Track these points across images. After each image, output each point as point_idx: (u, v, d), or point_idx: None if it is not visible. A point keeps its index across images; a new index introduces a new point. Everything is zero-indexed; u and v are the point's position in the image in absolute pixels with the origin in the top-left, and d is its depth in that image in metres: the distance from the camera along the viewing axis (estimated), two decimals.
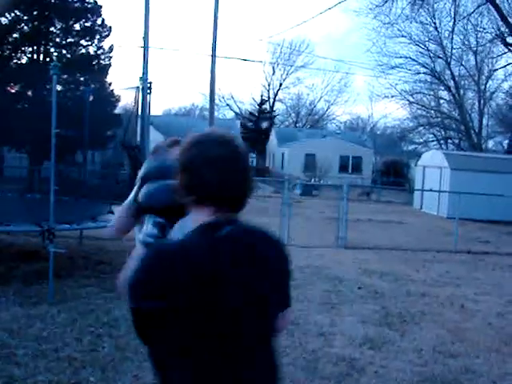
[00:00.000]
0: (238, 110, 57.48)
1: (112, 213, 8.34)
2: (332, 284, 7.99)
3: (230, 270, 1.60)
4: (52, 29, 18.13)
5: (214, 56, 27.91)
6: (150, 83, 9.04)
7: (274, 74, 56.46)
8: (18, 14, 17.78)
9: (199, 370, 1.59)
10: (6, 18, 17.57)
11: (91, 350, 4.98)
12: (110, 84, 19.27)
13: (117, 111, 17.38)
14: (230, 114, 57.68)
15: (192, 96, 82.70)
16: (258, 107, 52.92)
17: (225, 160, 1.62)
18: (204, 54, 35.06)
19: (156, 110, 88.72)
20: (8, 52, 17.55)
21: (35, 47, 18.17)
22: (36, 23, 17.69)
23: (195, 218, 1.66)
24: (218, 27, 25.17)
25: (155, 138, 39.50)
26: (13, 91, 17.67)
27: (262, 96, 54.29)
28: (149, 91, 9.09)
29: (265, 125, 51.05)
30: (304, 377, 4.61)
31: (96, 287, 7.16)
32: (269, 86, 56.45)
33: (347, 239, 11.32)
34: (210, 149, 1.64)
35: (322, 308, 6.72)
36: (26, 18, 17.75)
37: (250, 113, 53.17)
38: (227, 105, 58.36)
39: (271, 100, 56.02)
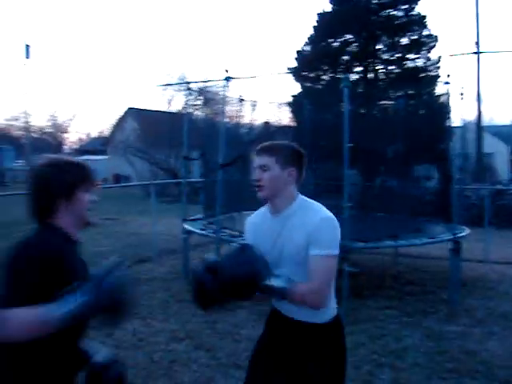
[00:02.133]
0: None
1: (419, 231, 7.80)
2: None
3: None
4: (379, 46, 18.39)
5: None
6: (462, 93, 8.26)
7: None
8: (348, 36, 18.50)
9: None
10: (337, 41, 18.43)
11: (365, 381, 4.56)
12: (439, 96, 18.54)
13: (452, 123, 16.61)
14: None
15: None
16: None
17: None
18: None
19: (503, 119, 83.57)
20: (340, 73, 18.29)
21: (363, 66, 18.64)
22: (363, 43, 18.13)
23: None
24: None
25: (502, 150, 36.72)
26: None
27: None
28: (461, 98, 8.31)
29: None
30: None
31: (396, 310, 6.71)
32: None
33: None
34: None
35: None
36: (353, 39, 18.40)
37: None
38: None
39: None
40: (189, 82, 8.70)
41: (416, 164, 13.57)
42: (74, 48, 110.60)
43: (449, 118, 10.33)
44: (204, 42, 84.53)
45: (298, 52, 19.08)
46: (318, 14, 18.86)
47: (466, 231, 7.85)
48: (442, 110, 17.80)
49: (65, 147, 70.11)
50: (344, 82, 6.36)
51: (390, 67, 18.53)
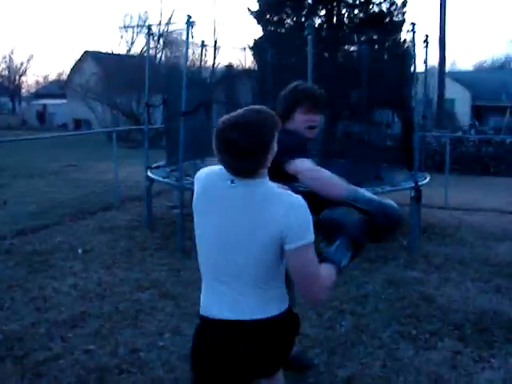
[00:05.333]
0: None
1: (381, 178, 7.88)
2: None
3: None
4: None
5: None
6: (426, 36, 8.24)
7: None
8: None
9: None
10: None
11: (328, 327, 4.66)
12: (403, 41, 18.44)
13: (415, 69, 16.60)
14: None
15: (504, 46, 75.33)
16: None
17: None
18: None
19: (465, 63, 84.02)
20: (303, 16, 18.01)
21: (327, 10, 18.31)
22: None
23: None
24: None
25: (462, 95, 37.33)
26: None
27: None
28: (425, 45, 8.30)
29: None
30: None
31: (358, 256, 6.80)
32: None
33: None
34: None
35: None
36: None
37: None
38: None
39: None
40: (150, 25, 8.40)
41: (378, 109, 13.59)
42: None
43: (412, 64, 10.31)
44: None
45: None
46: None
47: (427, 178, 7.96)
48: (405, 56, 17.79)
49: (22, 91, 68.21)
50: (308, 30, 6.25)
51: (354, 11, 18.28)
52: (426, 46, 8.09)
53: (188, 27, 6.58)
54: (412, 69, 7.33)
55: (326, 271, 2.08)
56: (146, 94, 8.38)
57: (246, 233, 2.02)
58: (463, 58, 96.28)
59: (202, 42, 9.84)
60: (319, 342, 4.35)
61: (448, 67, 42.36)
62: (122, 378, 3.71)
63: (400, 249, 7.12)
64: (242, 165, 1.98)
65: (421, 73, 11.29)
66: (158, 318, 4.84)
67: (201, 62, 10.12)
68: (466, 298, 5.38)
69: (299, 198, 2.02)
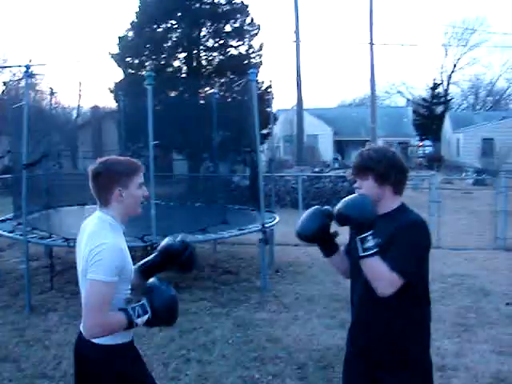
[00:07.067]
0: (409, 97, 55.29)
1: (226, 223, 7.95)
2: (474, 298, 6.85)
3: None
4: (202, 33, 18.51)
5: (371, 44, 26.93)
6: (270, 84, 8.61)
7: (446, 55, 53.66)
8: (172, 22, 18.37)
9: None
10: (161, 27, 18.23)
11: (172, 378, 4.62)
12: (262, 82, 19.16)
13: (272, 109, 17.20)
14: (402, 102, 55.56)
15: (364, 86, 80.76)
16: (430, 92, 50.27)
17: None
18: (366, 43, 32.55)
19: (329, 102, 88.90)
20: (163, 60, 18.20)
21: (187, 53, 18.63)
22: (187, 29, 18.10)
23: None
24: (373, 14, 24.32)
25: (325, 131, 38.93)
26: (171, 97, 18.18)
27: (434, 80, 51.42)
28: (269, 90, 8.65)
29: (439, 110, 48.38)
30: None
31: (209, 301, 6.85)
32: (442, 68, 53.84)
33: (506, 240, 9.86)
34: None
35: (453, 331, 5.70)
36: (176, 25, 18.31)
37: (423, 99, 50.70)
38: (398, 92, 56.77)
39: (445, 83, 53.15)
40: None
41: (229, 153, 13.90)
42: None
43: (254, 108, 10.66)
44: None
45: (119, 38, 18.59)
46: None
47: (275, 219, 8.20)
48: (264, 96, 18.31)
49: None
50: (148, 80, 6.25)
51: (213, 54, 18.73)
52: (270, 92, 8.43)
53: (26, 77, 6.41)
54: (255, 113, 7.49)
55: (114, 317, 2.29)
56: None
57: (79, 264, 2.38)
58: (328, 99, 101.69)
59: (51, 89, 9.62)
60: None
61: (313, 106, 44.63)
62: None
63: (253, 290, 7.25)
64: (94, 189, 2.39)
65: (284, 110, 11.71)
66: None
67: (51, 108, 9.86)
68: (311, 336, 5.54)
69: (108, 240, 2.27)
